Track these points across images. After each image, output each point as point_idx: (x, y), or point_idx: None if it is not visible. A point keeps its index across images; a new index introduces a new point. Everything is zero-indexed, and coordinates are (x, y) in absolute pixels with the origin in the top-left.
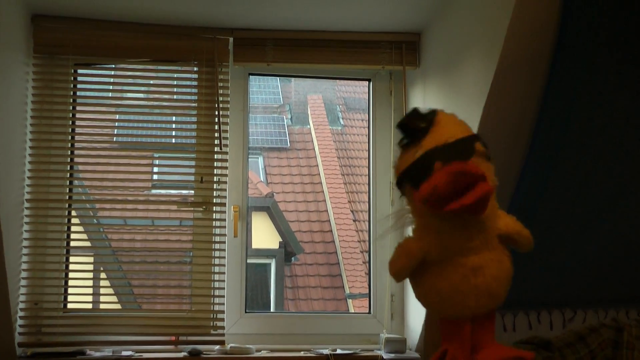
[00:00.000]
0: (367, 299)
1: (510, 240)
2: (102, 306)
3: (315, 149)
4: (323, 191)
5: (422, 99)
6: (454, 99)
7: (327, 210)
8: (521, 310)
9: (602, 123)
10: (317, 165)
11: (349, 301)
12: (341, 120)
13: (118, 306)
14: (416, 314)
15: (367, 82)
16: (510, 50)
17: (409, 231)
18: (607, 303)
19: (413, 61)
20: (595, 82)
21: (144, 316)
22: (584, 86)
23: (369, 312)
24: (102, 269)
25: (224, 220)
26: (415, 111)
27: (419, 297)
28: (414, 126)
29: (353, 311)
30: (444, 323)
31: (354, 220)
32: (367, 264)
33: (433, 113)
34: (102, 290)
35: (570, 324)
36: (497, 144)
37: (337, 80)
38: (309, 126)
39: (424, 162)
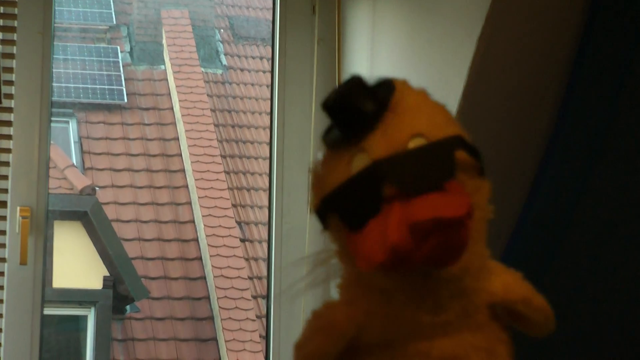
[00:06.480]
0: None
1: (513, 314)
2: None
3: (174, 108)
4: (187, 185)
5: (369, 25)
6: (425, 28)
7: (193, 221)
8: None
9: None
10: (177, 139)
11: None
12: (223, 58)
13: None
14: None
15: None
16: None
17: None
18: None
19: None
20: None
21: None
22: None
23: None
24: None
25: (3, 233)
26: (357, 81)
27: None
28: (354, 110)
29: None
30: None
31: (243, 240)
32: (265, 320)
33: (388, 87)
34: None
35: None
36: (498, 119)
37: None
38: (163, 67)
39: (365, 184)
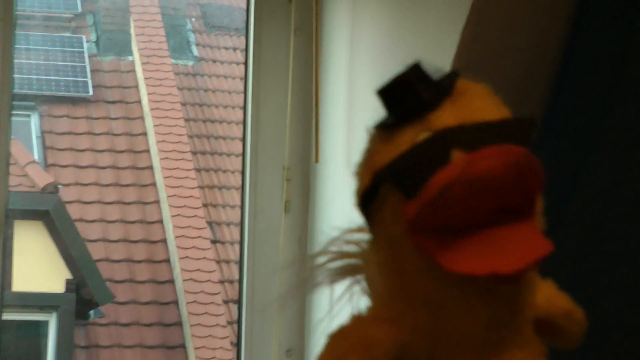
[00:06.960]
0: None
1: (553, 327)
2: None
3: (142, 101)
4: (155, 183)
5: (349, 14)
6: (408, 17)
7: (161, 221)
8: None
9: None
10: (145, 134)
11: None
12: (194, 49)
13: None
14: None
15: None
16: None
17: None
18: None
19: None
20: None
21: None
22: None
23: None
24: None
25: None
26: (417, 69)
27: None
28: (413, 92)
29: None
30: None
31: (214, 242)
32: (237, 325)
33: (452, 76)
34: None
35: None
36: None
37: None
38: (131, 58)
39: (431, 150)
